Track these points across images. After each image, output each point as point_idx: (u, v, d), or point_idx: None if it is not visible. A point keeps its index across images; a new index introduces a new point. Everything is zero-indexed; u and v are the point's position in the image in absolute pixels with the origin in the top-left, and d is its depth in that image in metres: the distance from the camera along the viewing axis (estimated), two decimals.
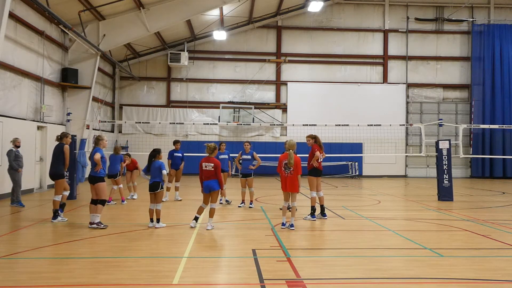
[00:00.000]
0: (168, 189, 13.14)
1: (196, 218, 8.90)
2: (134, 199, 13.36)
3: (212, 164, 8.67)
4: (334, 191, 17.23)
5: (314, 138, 10.25)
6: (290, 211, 9.09)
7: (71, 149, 10.69)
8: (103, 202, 8.75)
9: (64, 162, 9.62)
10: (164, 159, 13.45)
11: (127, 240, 7.70)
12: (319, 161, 10.02)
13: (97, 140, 9.08)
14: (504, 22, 26.71)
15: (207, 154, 8.88)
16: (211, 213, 8.72)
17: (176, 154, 13.18)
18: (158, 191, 8.85)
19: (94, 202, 8.75)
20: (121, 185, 12.41)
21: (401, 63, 26.85)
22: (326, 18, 26.47)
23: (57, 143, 9.88)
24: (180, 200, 13.18)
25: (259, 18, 25.55)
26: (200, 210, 8.88)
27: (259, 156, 12.03)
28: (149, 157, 9.06)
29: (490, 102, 26.08)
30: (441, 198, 14.02)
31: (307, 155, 10.22)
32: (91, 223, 8.66)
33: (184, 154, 13.63)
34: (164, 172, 8.87)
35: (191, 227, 8.73)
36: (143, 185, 17.37)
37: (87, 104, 18.68)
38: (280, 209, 10.85)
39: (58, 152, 9.67)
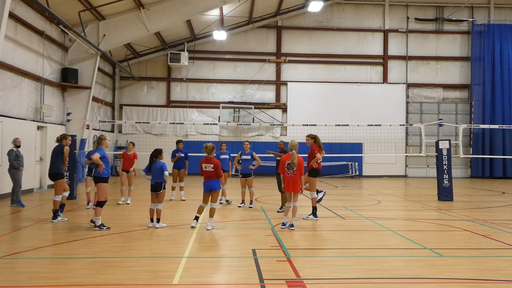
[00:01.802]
0: (173, 188, 13.19)
1: (196, 218, 8.89)
2: (128, 203, 12.35)
3: (212, 165, 8.67)
4: (334, 191, 17.23)
5: (314, 138, 10.21)
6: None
7: (71, 150, 10.69)
8: (101, 204, 8.54)
9: (63, 163, 9.67)
10: (167, 159, 13.46)
11: (127, 240, 7.70)
12: (318, 162, 10.02)
13: (100, 140, 9.01)
14: (504, 22, 26.71)
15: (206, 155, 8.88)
16: (211, 213, 8.73)
17: (177, 154, 13.20)
18: (161, 191, 8.81)
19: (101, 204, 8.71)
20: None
21: (401, 63, 26.85)
22: (326, 18, 26.47)
23: (56, 144, 9.92)
24: (184, 200, 13.18)
25: (259, 18, 25.55)
26: (200, 210, 8.88)
27: (259, 156, 12.03)
28: (150, 157, 8.98)
29: (490, 102, 26.08)
30: (441, 198, 14.02)
31: (306, 155, 10.21)
32: (92, 221, 8.64)
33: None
34: (166, 173, 8.81)
35: (192, 227, 8.73)
36: (144, 185, 17.37)
37: (87, 104, 18.68)
38: (278, 211, 10.88)
39: (57, 153, 9.69)
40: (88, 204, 11.56)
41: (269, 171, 23.10)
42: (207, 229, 8.57)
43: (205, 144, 9.01)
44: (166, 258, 6.49)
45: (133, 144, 13.14)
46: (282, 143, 11.16)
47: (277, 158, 11.11)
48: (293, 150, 8.86)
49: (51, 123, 16.59)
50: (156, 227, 8.70)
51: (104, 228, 8.48)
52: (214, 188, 8.65)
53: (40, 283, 5.26)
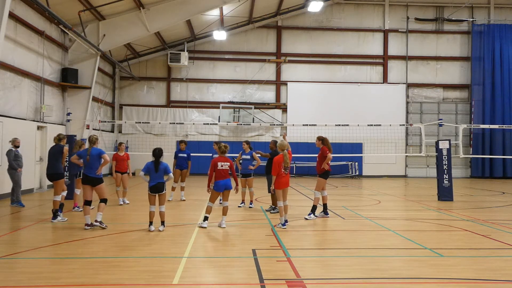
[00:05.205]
0: (173, 189, 13.10)
1: (206, 218, 8.90)
2: (127, 203, 12.33)
3: (228, 164, 8.85)
4: (334, 191, 17.22)
5: (322, 140, 10.35)
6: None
7: (70, 149, 10.67)
8: (106, 201, 8.70)
9: (62, 162, 9.70)
10: (170, 159, 13.41)
11: (127, 240, 7.70)
12: (328, 162, 10.13)
13: (95, 140, 8.91)
14: (504, 22, 26.71)
15: (216, 155, 8.98)
16: (225, 211, 8.94)
17: (180, 154, 13.07)
18: (163, 192, 8.57)
19: (89, 203, 8.65)
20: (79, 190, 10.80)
21: (401, 63, 26.84)
22: (326, 18, 26.47)
23: (53, 144, 9.91)
24: (184, 200, 13.16)
25: (259, 18, 25.55)
26: (209, 210, 8.91)
27: (258, 156, 12.02)
28: (156, 157, 8.50)
29: (490, 102, 26.08)
30: (441, 198, 14.02)
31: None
32: (87, 225, 8.49)
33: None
34: (171, 174, 8.54)
35: (203, 228, 8.71)
36: (143, 185, 17.35)
37: (87, 104, 18.68)
38: (271, 212, 10.90)
39: (56, 153, 9.68)
40: (75, 208, 10.93)
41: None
42: (222, 227, 8.74)
43: (220, 144, 9.05)
44: (166, 258, 6.48)
45: (124, 145, 12.84)
46: (273, 143, 11.19)
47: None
48: (285, 151, 8.95)
49: (51, 123, 16.58)
50: (160, 230, 8.44)
51: (103, 225, 8.55)
52: (229, 187, 8.83)
53: (40, 283, 5.25)
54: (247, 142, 12.10)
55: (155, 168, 8.43)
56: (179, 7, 18.95)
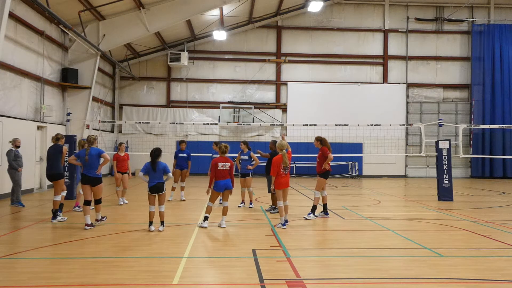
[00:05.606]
0: (173, 189, 13.09)
1: (206, 218, 8.91)
2: (126, 203, 12.32)
3: (229, 164, 8.85)
4: (334, 191, 17.22)
5: (321, 140, 10.35)
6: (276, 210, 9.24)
7: (70, 149, 10.69)
8: (100, 201, 8.85)
9: (61, 162, 9.75)
10: (170, 159, 13.40)
11: (127, 240, 7.70)
12: (329, 162, 10.15)
13: (93, 140, 8.92)
14: (504, 22, 26.72)
15: (216, 155, 8.98)
16: (225, 211, 8.94)
17: (180, 154, 13.05)
18: (163, 192, 8.54)
19: (89, 203, 8.69)
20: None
21: (401, 63, 26.84)
22: (326, 18, 26.48)
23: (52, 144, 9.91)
24: (184, 200, 13.15)
25: (259, 18, 25.55)
26: (210, 209, 8.92)
27: (257, 156, 12.03)
28: (154, 157, 8.45)
29: (490, 102, 26.09)
30: (441, 198, 14.02)
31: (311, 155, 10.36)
32: (87, 225, 8.51)
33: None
34: (170, 174, 8.49)
35: (203, 227, 8.71)
36: (143, 185, 17.35)
37: (87, 104, 18.69)
38: (271, 212, 10.90)
39: (56, 153, 9.69)
40: (76, 208, 10.98)
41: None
42: (222, 227, 8.75)
43: (220, 144, 9.08)
44: (166, 258, 6.48)
45: (124, 145, 12.79)
46: (273, 144, 11.16)
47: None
48: (284, 151, 8.95)
49: (51, 123, 16.58)
50: (160, 230, 8.42)
51: (104, 219, 8.99)
52: (229, 187, 8.83)
53: (40, 283, 5.25)
54: (245, 142, 12.11)
55: (153, 168, 8.42)
56: (179, 7, 18.96)
